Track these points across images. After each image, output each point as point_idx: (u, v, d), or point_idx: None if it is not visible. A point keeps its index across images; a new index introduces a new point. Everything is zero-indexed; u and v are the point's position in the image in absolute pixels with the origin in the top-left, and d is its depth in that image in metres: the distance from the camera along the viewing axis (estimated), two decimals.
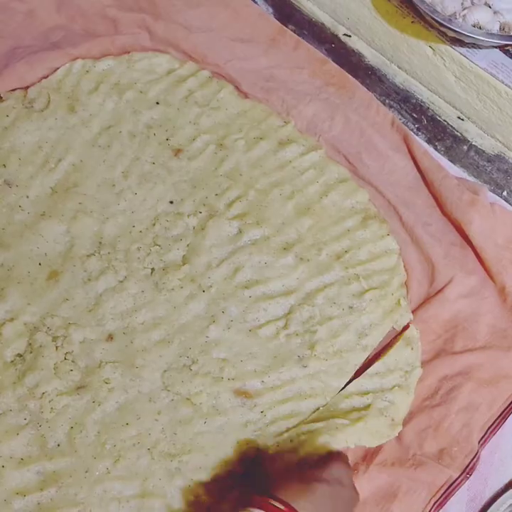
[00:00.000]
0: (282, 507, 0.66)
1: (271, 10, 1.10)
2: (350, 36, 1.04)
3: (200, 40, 1.02)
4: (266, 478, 0.76)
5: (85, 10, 1.03)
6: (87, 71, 1.00)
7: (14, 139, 0.94)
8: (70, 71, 0.99)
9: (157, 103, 0.99)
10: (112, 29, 1.02)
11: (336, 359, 0.88)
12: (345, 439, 0.81)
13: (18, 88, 0.98)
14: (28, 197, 0.92)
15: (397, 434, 0.84)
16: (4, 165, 0.93)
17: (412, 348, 0.88)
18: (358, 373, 0.88)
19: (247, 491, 0.75)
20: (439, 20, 0.91)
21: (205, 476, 0.81)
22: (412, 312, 0.91)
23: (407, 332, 0.89)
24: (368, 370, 0.87)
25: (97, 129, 0.97)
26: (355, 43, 1.08)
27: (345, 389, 0.86)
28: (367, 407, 0.84)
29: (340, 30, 1.09)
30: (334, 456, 0.77)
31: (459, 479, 0.83)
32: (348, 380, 0.87)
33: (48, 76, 0.99)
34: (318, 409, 0.85)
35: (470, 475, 0.84)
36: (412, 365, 0.88)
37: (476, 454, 0.84)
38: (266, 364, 0.86)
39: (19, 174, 0.93)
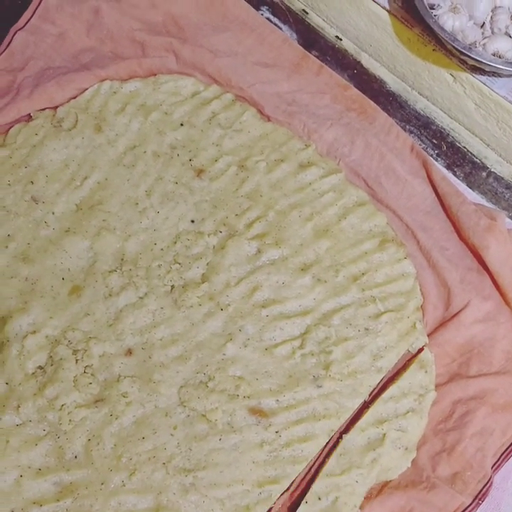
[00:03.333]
0: None
1: (295, 36, 1.12)
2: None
3: (225, 63, 1.05)
4: None
5: (114, 33, 1.06)
6: (115, 92, 1.02)
7: (42, 157, 0.97)
8: (98, 92, 1.02)
9: (181, 124, 1.01)
10: (140, 52, 1.05)
11: (351, 380, 0.88)
12: (365, 489, 0.84)
13: (48, 108, 1.01)
14: (53, 213, 0.94)
15: (410, 464, 0.86)
16: (32, 182, 0.95)
17: (426, 371, 0.89)
18: (373, 397, 0.88)
19: None
20: (459, 48, 0.92)
21: (219, 492, 0.82)
22: (428, 335, 0.92)
23: (421, 355, 0.90)
24: (384, 395, 0.88)
25: (122, 148, 0.99)
26: (377, 70, 1.10)
27: (362, 420, 0.86)
28: (381, 440, 0.85)
29: (362, 57, 1.11)
30: None
31: (471, 506, 0.83)
32: (362, 402, 0.88)
33: (76, 96, 1.01)
34: (332, 430, 0.86)
35: (482, 501, 0.84)
36: (426, 388, 0.88)
37: (489, 480, 0.84)
38: (281, 383, 0.88)
39: (46, 191, 0.95)
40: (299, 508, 0.82)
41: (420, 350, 0.90)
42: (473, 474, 0.85)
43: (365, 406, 0.88)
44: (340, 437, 0.86)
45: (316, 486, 0.84)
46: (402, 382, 0.88)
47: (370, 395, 0.89)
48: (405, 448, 0.86)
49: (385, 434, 0.86)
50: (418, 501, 0.83)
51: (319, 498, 0.83)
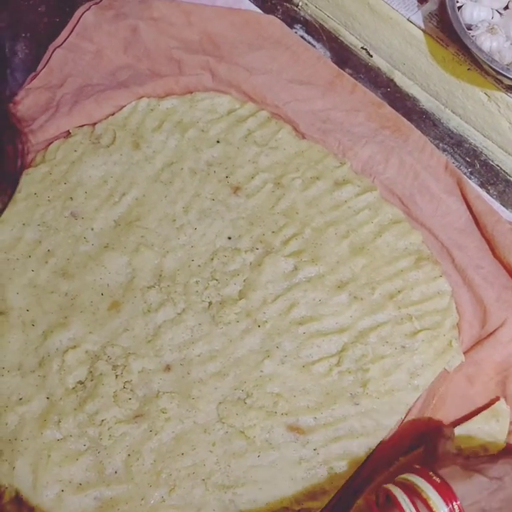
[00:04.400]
0: (438, 480, 0.71)
1: (329, 54, 1.13)
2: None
3: (260, 81, 1.06)
4: (433, 457, 0.78)
5: (151, 51, 1.07)
6: (152, 109, 1.03)
7: (81, 173, 0.98)
8: (135, 109, 1.03)
9: (218, 142, 1.02)
10: (177, 70, 1.06)
11: (388, 398, 0.89)
12: None
13: (86, 124, 1.02)
14: (92, 229, 0.95)
15: None
16: (71, 198, 0.97)
17: (498, 421, 0.87)
18: None
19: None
20: (497, 68, 0.93)
21: (259, 509, 0.82)
22: (464, 353, 0.92)
23: (496, 404, 0.88)
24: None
25: (159, 165, 1.00)
26: (410, 88, 1.11)
27: None
28: None
29: (395, 75, 1.12)
30: (502, 456, 0.78)
31: None
32: (399, 420, 0.88)
33: (114, 113, 1.02)
34: (369, 448, 0.86)
35: None
36: (495, 437, 0.86)
37: None
38: (318, 400, 0.88)
39: (85, 207, 0.96)
40: None
41: (495, 399, 0.89)
42: None
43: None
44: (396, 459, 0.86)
45: None
46: (471, 425, 0.87)
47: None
48: None
49: None
50: None
51: None
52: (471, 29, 0.96)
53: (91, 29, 1.07)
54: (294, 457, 0.85)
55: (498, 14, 0.98)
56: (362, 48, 1.04)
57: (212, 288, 0.93)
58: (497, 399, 0.89)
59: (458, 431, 0.86)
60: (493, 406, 0.88)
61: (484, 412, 0.88)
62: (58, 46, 1.06)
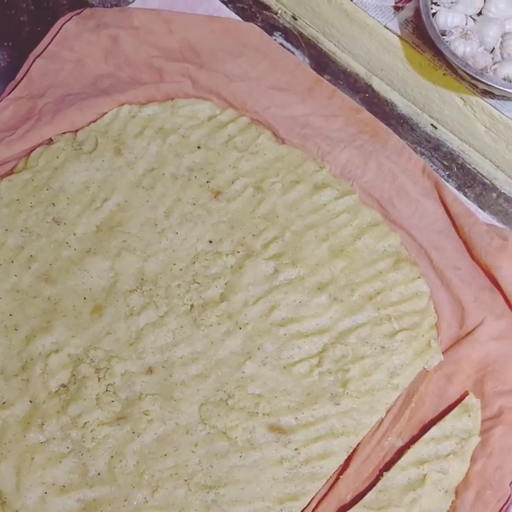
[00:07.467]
0: None
1: (308, 60, 1.15)
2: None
3: (240, 88, 1.07)
4: None
5: (132, 59, 1.09)
6: (133, 116, 1.05)
7: (63, 179, 0.99)
8: (117, 116, 1.04)
9: (198, 147, 1.04)
10: (158, 77, 1.08)
11: (368, 397, 0.90)
12: None
13: (69, 131, 1.03)
14: (75, 234, 0.96)
15: (449, 507, 0.85)
16: (53, 204, 0.98)
17: (470, 416, 0.89)
18: (414, 439, 0.89)
19: None
20: (471, 73, 0.95)
21: (241, 509, 0.83)
22: (443, 353, 0.93)
23: (466, 400, 0.90)
24: (425, 436, 0.87)
25: (141, 170, 1.01)
26: (388, 93, 1.13)
27: (402, 459, 0.86)
28: (422, 480, 0.85)
29: (373, 81, 1.13)
30: None
31: None
32: (379, 419, 0.89)
33: (96, 120, 1.04)
34: (350, 447, 0.87)
35: None
36: (469, 432, 0.88)
37: (509, 498, 0.85)
38: (299, 401, 0.89)
39: (67, 212, 0.98)
40: None
41: (464, 395, 0.91)
42: (493, 493, 0.85)
43: (406, 446, 0.88)
44: (380, 474, 0.86)
45: None
46: (445, 425, 0.88)
47: (411, 440, 0.89)
48: (445, 491, 0.86)
49: (425, 475, 0.85)
50: None
51: None
52: (445, 35, 0.98)
53: (71, 38, 1.08)
54: (276, 457, 0.86)
55: (471, 20, 1.01)
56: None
57: (194, 291, 0.94)
58: (466, 394, 0.91)
59: (433, 433, 0.88)
60: (463, 402, 0.90)
61: (455, 409, 0.89)
62: (38, 55, 1.07)
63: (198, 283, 0.95)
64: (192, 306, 0.93)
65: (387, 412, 0.90)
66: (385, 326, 0.94)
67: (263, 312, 0.94)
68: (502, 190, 1.06)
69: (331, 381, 0.90)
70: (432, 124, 1.09)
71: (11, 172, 1.01)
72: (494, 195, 1.06)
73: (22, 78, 1.06)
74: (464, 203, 1.02)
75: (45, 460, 0.83)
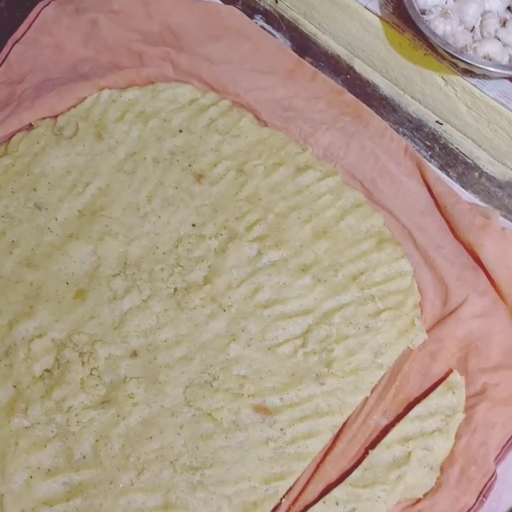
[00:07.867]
0: None
1: (289, 43, 1.15)
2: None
3: (221, 71, 1.07)
4: None
5: (111, 44, 1.08)
6: (114, 100, 1.04)
7: (44, 165, 0.99)
8: (97, 100, 1.04)
9: (180, 131, 1.03)
10: (138, 61, 1.07)
11: (352, 377, 0.90)
12: (386, 507, 0.84)
13: (48, 117, 1.02)
14: (56, 219, 0.96)
15: (434, 484, 0.86)
16: (34, 189, 0.97)
17: (454, 393, 0.89)
18: (399, 417, 0.89)
19: None
20: (451, 52, 0.95)
21: (227, 489, 0.83)
22: (427, 332, 0.94)
23: (450, 377, 0.90)
24: (410, 414, 0.88)
25: (122, 155, 1.01)
26: (370, 74, 1.13)
27: (387, 437, 0.87)
28: (407, 458, 0.85)
29: (355, 62, 1.13)
30: None
31: (475, 505, 0.84)
32: (364, 398, 0.90)
33: (76, 105, 1.03)
34: (335, 426, 0.88)
35: (486, 498, 0.85)
36: (453, 409, 0.88)
37: (493, 474, 0.86)
38: (284, 381, 0.89)
39: (48, 198, 0.97)
40: (316, 506, 0.83)
41: (449, 372, 0.91)
42: (477, 469, 0.85)
43: (391, 424, 0.88)
44: (366, 452, 0.87)
45: (337, 491, 0.84)
46: (429, 402, 0.88)
47: (397, 418, 0.89)
48: (430, 467, 0.86)
49: (410, 452, 0.85)
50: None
51: (337, 503, 0.83)
52: (425, 14, 0.98)
53: (50, 23, 1.07)
54: (262, 438, 0.86)
55: None
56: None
57: (178, 274, 0.94)
58: (450, 371, 0.91)
59: (417, 411, 0.88)
60: (447, 379, 0.90)
61: (440, 387, 0.89)
62: (17, 41, 1.06)
63: (182, 266, 0.94)
64: (175, 289, 0.93)
65: (372, 391, 0.91)
66: (368, 305, 0.94)
67: (247, 294, 0.93)
68: (484, 170, 1.07)
69: (316, 361, 0.90)
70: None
71: None
72: (476, 174, 1.07)
73: (1, 64, 1.05)
74: (446, 182, 1.03)
75: (29, 445, 0.83)
